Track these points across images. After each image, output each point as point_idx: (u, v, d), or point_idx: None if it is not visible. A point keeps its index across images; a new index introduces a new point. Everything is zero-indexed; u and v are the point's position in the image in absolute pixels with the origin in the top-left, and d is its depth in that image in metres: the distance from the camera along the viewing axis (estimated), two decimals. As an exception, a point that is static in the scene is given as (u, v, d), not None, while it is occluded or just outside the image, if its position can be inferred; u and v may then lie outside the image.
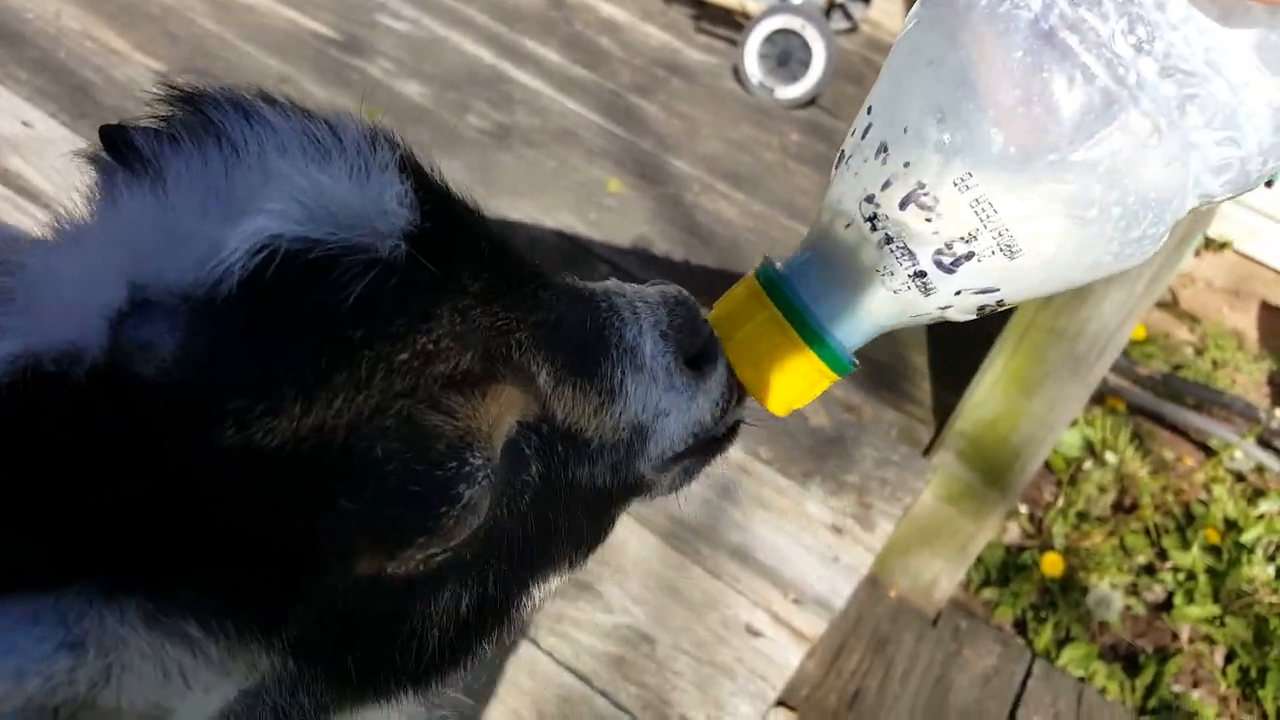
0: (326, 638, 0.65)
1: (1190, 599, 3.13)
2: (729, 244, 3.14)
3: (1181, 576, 3.19)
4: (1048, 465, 3.39)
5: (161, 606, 0.52)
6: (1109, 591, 3.05)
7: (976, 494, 2.55)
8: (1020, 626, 2.99)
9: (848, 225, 0.74)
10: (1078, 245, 0.66)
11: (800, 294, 0.79)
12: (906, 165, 0.68)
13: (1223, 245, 4.26)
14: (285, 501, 0.56)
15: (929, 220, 0.68)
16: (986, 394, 2.46)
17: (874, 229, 0.71)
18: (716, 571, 2.24)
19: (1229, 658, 3.02)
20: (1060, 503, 3.32)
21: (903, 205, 0.69)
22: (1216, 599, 3.13)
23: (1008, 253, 0.67)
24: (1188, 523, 3.35)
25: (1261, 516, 3.34)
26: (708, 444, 0.88)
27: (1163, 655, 2.98)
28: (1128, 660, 2.98)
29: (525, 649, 2.05)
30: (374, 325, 0.58)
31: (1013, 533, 3.25)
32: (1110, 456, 3.42)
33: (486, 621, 0.74)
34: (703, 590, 2.21)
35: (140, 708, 0.52)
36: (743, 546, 2.29)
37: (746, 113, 3.79)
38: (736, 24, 3.95)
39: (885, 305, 0.75)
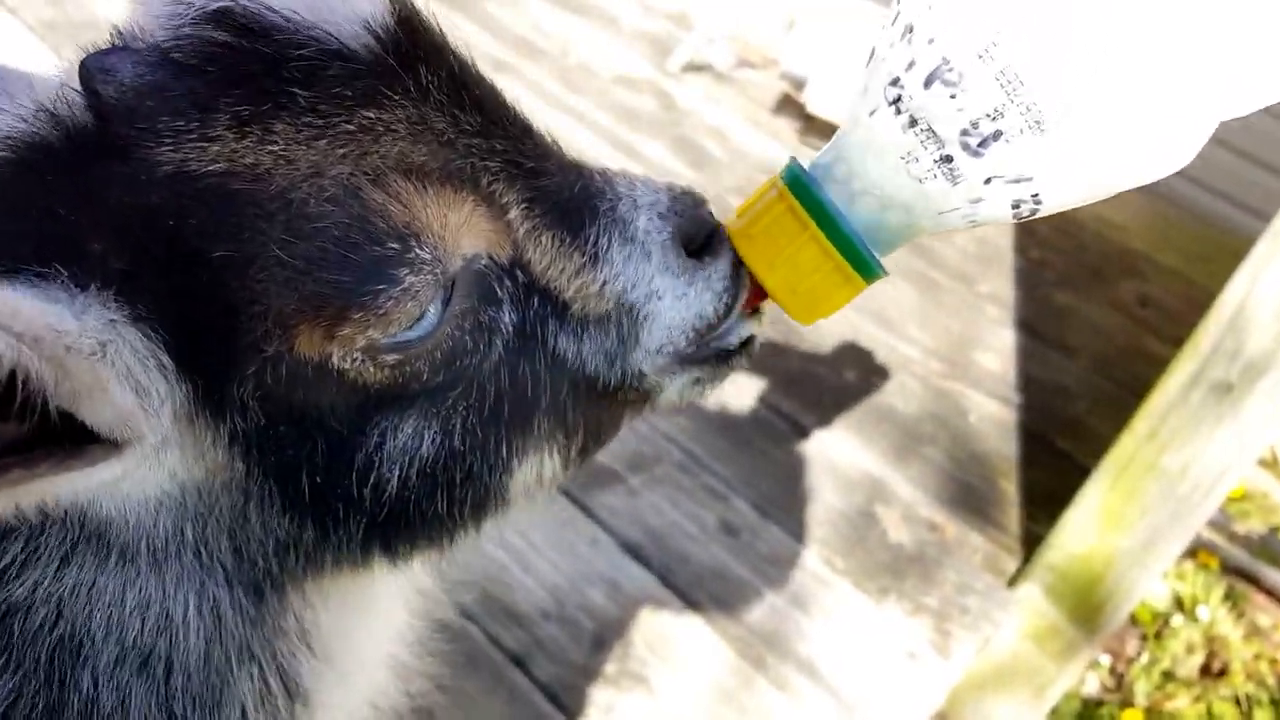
0: (275, 437, 0.66)
1: (1285, 780, 2.88)
2: (814, 343, 3.09)
3: (1275, 755, 2.94)
4: (1133, 617, 3.20)
5: (138, 315, 0.59)
6: (1195, 759, 2.82)
7: (1061, 634, 2.40)
8: (1095, 787, 2.78)
9: (872, 113, 0.71)
10: (1110, 125, 0.62)
11: (826, 192, 0.75)
12: (931, 42, 0.66)
13: (1329, 408, 4.07)
14: (218, 234, 0.60)
15: (953, 97, 0.65)
16: (1080, 528, 2.33)
17: (899, 112, 0.69)
18: (779, 682, 2.12)
19: None
20: (1144, 658, 3.11)
21: (927, 83, 0.66)
22: (1314, 783, 2.87)
23: (1037, 130, 0.63)
24: (1284, 697, 3.11)
25: (1366, 700, 3.08)
26: (718, 355, 0.85)
27: (1252, 838, 2.73)
28: (1213, 839, 2.73)
29: (572, 737, 1.95)
30: (320, 89, 0.63)
31: (1091, 684, 3.05)
32: (1201, 614, 3.21)
33: (454, 478, 0.73)
34: (762, 700, 2.09)
35: (120, 403, 0.59)
36: (809, 659, 2.17)
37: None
38: (840, 139, 4.00)
39: (911, 198, 0.72)
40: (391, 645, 0.93)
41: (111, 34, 0.65)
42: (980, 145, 0.66)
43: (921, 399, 2.85)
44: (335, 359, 0.65)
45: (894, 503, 2.52)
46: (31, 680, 0.70)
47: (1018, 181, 0.67)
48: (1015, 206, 0.69)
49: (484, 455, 0.74)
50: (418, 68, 0.68)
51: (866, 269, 0.76)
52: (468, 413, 0.72)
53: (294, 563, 0.73)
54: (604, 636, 2.12)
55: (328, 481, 0.69)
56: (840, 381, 2.86)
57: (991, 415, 2.85)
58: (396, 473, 0.70)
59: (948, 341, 3.07)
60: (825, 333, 3.16)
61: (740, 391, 2.72)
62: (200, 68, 0.62)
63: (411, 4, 0.72)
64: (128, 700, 0.71)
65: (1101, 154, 0.65)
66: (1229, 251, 2.74)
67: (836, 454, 2.62)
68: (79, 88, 0.62)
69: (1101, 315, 3.35)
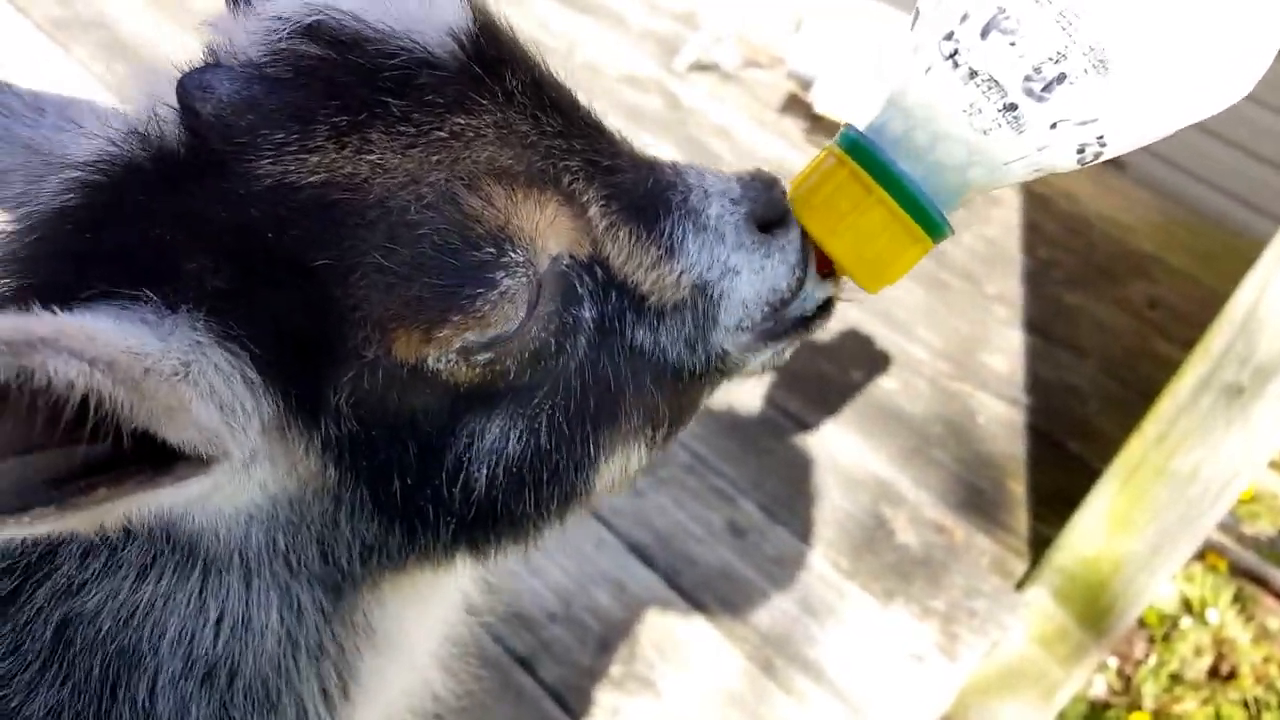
0: (369, 442, 0.67)
1: (1293, 784, 2.86)
2: (822, 343, 3.09)
3: (1284, 758, 2.93)
4: (1141, 620, 3.18)
5: (227, 333, 0.60)
6: (1204, 763, 2.81)
7: (1069, 637, 2.39)
8: (1102, 790, 2.77)
9: (928, 70, 0.70)
10: (1175, 58, 0.62)
11: (885, 152, 0.75)
12: None
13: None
14: (319, 243, 0.61)
15: (1013, 44, 0.65)
16: (1088, 531, 2.32)
17: (956, 65, 0.68)
18: (786, 685, 2.11)
19: None
20: (1152, 661, 3.10)
21: (984, 34, 0.66)
22: (1322, 787, 2.86)
23: (1101, 69, 0.63)
24: (1292, 700, 3.09)
25: (1376, 703, 3.06)
26: (796, 323, 0.85)
27: (1261, 842, 2.72)
28: (1221, 843, 2.72)
29: (578, 740, 1.95)
30: (412, 98, 0.64)
31: (1099, 687, 3.04)
32: (1210, 616, 3.20)
33: (540, 477, 0.73)
34: (769, 703, 2.08)
35: (204, 421, 0.59)
36: (816, 662, 2.16)
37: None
38: (847, 139, 3.98)
39: (974, 151, 0.71)
40: (439, 641, 0.95)
41: (205, 54, 0.66)
42: (1044, 90, 0.66)
43: (929, 400, 2.84)
44: (430, 361, 0.66)
45: (901, 505, 2.51)
46: (81, 693, 0.70)
47: (1083, 124, 0.67)
48: (1080, 151, 0.69)
49: (570, 452, 0.75)
50: (502, 72, 0.69)
51: (935, 227, 0.75)
52: (553, 411, 0.73)
53: (377, 563, 0.74)
54: (610, 638, 2.12)
55: (418, 483, 0.70)
56: (847, 382, 2.85)
57: (999, 416, 2.84)
58: (484, 472, 0.71)
59: (956, 342, 3.05)
60: (832, 333, 3.15)
61: (747, 393, 2.71)
62: (296, 81, 0.63)
63: (490, 11, 0.73)
64: (186, 710, 0.72)
65: (1166, 87, 0.65)
66: (1238, 252, 2.72)
67: (843, 455, 2.61)
68: (174, 106, 0.63)
69: (1110, 316, 3.33)
